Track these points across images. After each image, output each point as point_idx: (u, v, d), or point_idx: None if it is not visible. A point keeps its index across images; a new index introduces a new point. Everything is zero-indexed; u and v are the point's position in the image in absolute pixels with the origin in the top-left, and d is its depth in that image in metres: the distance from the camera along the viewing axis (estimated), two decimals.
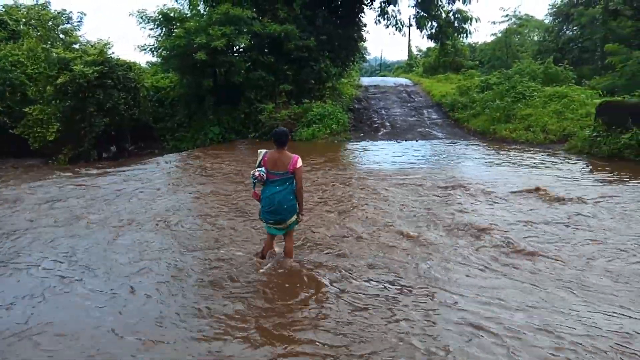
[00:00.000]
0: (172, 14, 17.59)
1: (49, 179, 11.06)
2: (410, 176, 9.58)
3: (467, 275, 4.79)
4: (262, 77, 17.75)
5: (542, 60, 22.19)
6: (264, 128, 16.95)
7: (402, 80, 30.79)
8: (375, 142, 15.81)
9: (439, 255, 5.35)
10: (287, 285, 4.65)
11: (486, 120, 16.88)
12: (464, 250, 5.48)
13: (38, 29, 21.20)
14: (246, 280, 4.74)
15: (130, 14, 17.89)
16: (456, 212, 6.94)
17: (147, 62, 24.73)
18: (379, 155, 13.22)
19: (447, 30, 21.58)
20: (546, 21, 35.87)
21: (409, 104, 22.32)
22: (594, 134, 11.90)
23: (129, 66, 17.05)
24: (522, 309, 4.02)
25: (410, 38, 44.09)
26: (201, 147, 16.74)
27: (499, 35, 35.16)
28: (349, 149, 14.74)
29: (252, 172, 4.78)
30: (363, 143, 15.71)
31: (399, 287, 4.54)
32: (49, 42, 20.14)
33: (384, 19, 22.09)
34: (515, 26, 36.16)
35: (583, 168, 10.31)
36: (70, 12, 25.09)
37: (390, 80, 30.76)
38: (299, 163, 4.72)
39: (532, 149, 13.27)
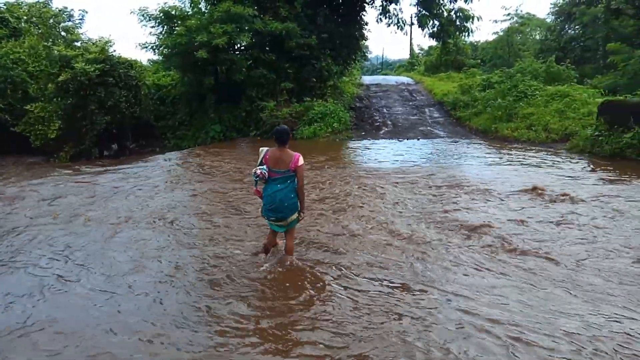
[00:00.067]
0: (173, 12, 17.56)
1: (49, 177, 11.06)
2: (411, 175, 9.56)
3: (465, 275, 4.79)
4: (263, 75, 17.72)
5: (544, 59, 22.15)
6: (265, 126, 16.92)
7: (403, 78, 30.73)
8: (376, 141, 15.78)
9: (438, 254, 5.35)
10: (287, 284, 4.64)
11: (488, 119, 16.85)
12: (462, 249, 5.48)
13: (39, 26, 21.18)
14: (245, 278, 4.74)
15: (132, 12, 17.85)
16: (455, 210, 6.94)
17: (149, 60, 24.79)
18: (380, 153, 13.20)
19: (449, 28, 21.51)
20: (548, 20, 35.79)
21: (410, 103, 22.28)
22: (596, 133, 11.87)
23: (131, 64, 17.03)
24: (521, 309, 4.01)
25: (412, 36, 43.95)
26: (202, 145, 16.72)
27: (501, 34, 35.10)
28: (350, 148, 14.72)
29: (253, 170, 4.80)
30: (364, 142, 15.69)
31: (397, 286, 4.53)
32: (51, 40, 20.09)
33: (385, 18, 22.01)
34: (517, 25, 36.05)
35: (584, 167, 10.29)
36: (72, 9, 25.06)
37: (392, 79, 30.72)
38: (300, 161, 4.73)
39: (533, 148, 13.24)
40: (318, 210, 7.12)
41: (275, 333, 3.72)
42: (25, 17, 21.50)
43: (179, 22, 17.29)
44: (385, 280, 4.68)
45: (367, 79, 29.66)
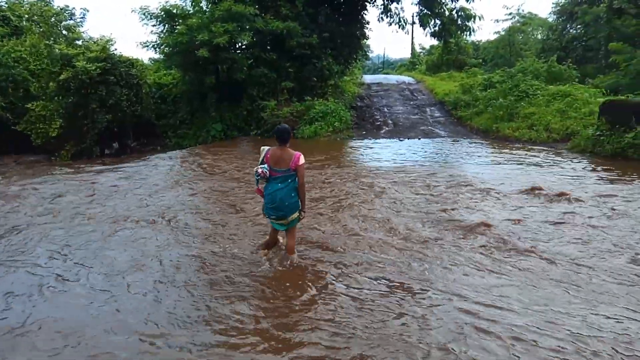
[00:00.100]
0: (174, 11, 17.57)
1: (50, 175, 11.07)
2: (410, 174, 9.56)
3: (465, 275, 4.78)
4: (264, 74, 17.73)
5: (546, 59, 22.11)
6: (266, 125, 16.94)
7: (404, 78, 30.73)
8: (377, 140, 15.78)
9: (438, 253, 5.35)
10: (287, 283, 4.63)
11: (489, 119, 16.83)
12: (462, 248, 5.48)
13: (41, 25, 21.20)
14: (246, 277, 4.73)
15: (133, 11, 17.85)
16: (455, 210, 6.94)
17: (150, 58, 24.77)
18: (380, 153, 13.19)
19: (451, 28, 21.51)
20: (550, 19, 35.72)
21: (411, 102, 22.28)
22: (597, 133, 11.86)
23: (132, 63, 17.04)
24: (521, 309, 4.00)
25: (414, 36, 44.07)
26: (203, 144, 16.74)
27: (503, 33, 35.04)
28: (351, 147, 14.72)
29: (255, 169, 4.82)
30: (365, 141, 15.69)
31: (396, 286, 4.52)
32: (52, 38, 20.12)
33: (387, 17, 22.03)
34: (518, 24, 35.99)
35: (585, 167, 10.27)
36: (73, 8, 25.03)
37: (393, 78, 30.72)
38: (301, 160, 4.73)
39: (534, 147, 13.23)
40: (318, 209, 7.12)
41: (276, 333, 3.72)
42: (26, 16, 21.53)
43: (180, 20, 17.29)
44: (385, 279, 4.67)
45: (368, 78, 29.66)
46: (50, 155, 15.72)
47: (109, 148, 16.97)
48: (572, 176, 9.20)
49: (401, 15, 22.06)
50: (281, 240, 5.39)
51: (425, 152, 13.32)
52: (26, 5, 22.18)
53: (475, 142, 14.72)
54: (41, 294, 4.51)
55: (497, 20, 51.45)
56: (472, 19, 21.15)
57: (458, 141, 15.02)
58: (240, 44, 18.44)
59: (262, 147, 4.95)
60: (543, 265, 4.96)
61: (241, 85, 17.95)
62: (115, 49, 16.91)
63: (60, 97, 15.70)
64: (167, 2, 17.60)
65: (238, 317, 3.98)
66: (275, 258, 5.14)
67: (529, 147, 13.38)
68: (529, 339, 3.52)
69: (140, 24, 18.07)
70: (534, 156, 11.65)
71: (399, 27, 22.36)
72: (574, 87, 17.28)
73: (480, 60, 35.29)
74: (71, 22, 23.94)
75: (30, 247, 5.80)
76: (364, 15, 21.34)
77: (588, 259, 5.11)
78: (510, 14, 36.61)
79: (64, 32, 23.03)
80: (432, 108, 21.08)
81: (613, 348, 3.41)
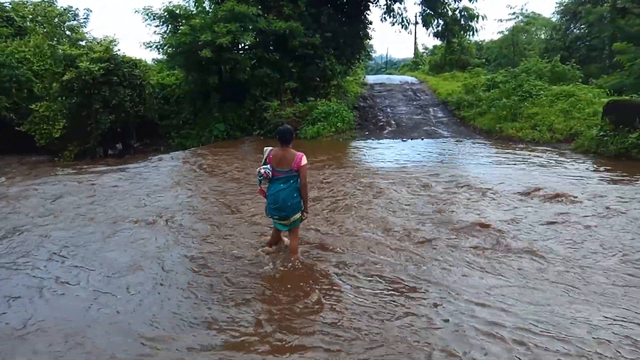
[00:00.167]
0: (177, 11, 17.59)
1: (53, 176, 11.11)
2: (412, 174, 9.54)
3: (464, 275, 4.78)
4: (267, 75, 17.73)
5: (549, 59, 22.03)
6: (269, 125, 16.93)
7: (407, 78, 30.68)
8: (380, 141, 15.76)
9: (438, 254, 5.34)
10: (289, 285, 4.63)
11: (492, 119, 16.78)
12: (463, 249, 5.47)
13: (44, 25, 21.29)
14: (247, 278, 4.73)
15: (136, 11, 17.90)
16: (454, 210, 6.93)
17: (153, 59, 24.81)
18: (383, 153, 13.18)
19: (454, 28, 21.46)
20: (553, 19, 35.63)
21: (414, 102, 22.24)
22: (601, 133, 11.81)
23: (135, 63, 17.06)
24: (522, 310, 3.99)
25: (417, 36, 44.01)
26: (206, 144, 16.75)
27: (506, 33, 34.90)
28: (354, 147, 14.70)
29: (257, 170, 4.83)
30: (368, 141, 15.67)
31: (397, 287, 4.52)
32: (55, 39, 20.18)
33: (389, 17, 21.98)
34: (522, 24, 35.87)
35: (588, 167, 10.24)
36: (77, 8, 25.15)
37: (396, 78, 30.66)
38: (304, 161, 4.74)
39: (538, 148, 13.19)
40: (319, 209, 7.11)
41: (277, 334, 3.71)
42: (30, 16, 21.61)
43: (183, 21, 17.31)
44: (385, 280, 4.66)
45: (371, 79, 29.63)
46: (54, 155, 15.76)
47: (112, 149, 17.00)
48: (576, 177, 9.16)
49: (404, 15, 22.05)
50: (285, 241, 5.39)
51: (428, 152, 13.29)
52: (30, 6, 22.25)
53: (478, 143, 14.69)
54: (41, 295, 4.50)
55: (501, 20, 50.91)
56: (475, 19, 21.10)
57: (461, 141, 14.99)
58: (243, 44, 18.44)
59: (266, 148, 4.97)
60: (543, 266, 4.94)
61: (244, 86, 17.96)
62: (119, 50, 16.97)
63: (64, 98, 15.74)
64: (170, 2, 17.65)
65: (239, 318, 3.97)
66: (278, 259, 5.14)
67: (532, 147, 13.33)
68: (532, 341, 3.51)
69: (144, 25, 18.13)
70: (537, 157, 11.61)
71: (402, 27, 22.35)
72: (578, 87, 17.22)
73: (484, 60, 35.19)
74: (75, 22, 24.03)
75: (30, 249, 5.79)
76: (366, 15, 21.33)
77: (592, 261, 5.09)
78: (513, 13, 36.58)
79: (68, 32, 23.10)
80: (435, 108, 21.03)
81: (617, 351, 3.39)
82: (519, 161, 11.05)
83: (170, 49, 17.51)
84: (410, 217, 6.69)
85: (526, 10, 36.90)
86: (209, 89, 17.87)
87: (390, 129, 18.03)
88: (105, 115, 15.56)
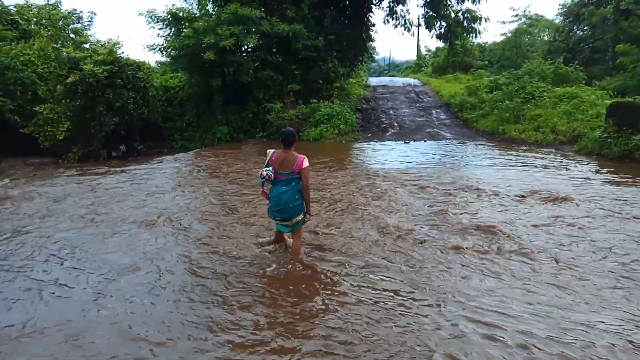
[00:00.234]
0: (181, 14, 17.68)
1: (56, 178, 11.16)
2: (415, 176, 9.54)
3: (463, 277, 4.77)
4: (270, 77, 17.78)
5: (552, 61, 22.01)
6: (271, 128, 16.97)
7: (410, 80, 30.68)
8: (383, 143, 15.77)
9: (438, 256, 5.33)
10: (290, 286, 4.63)
11: (495, 121, 16.78)
12: (462, 251, 5.46)
13: (49, 28, 21.38)
14: (249, 279, 4.74)
15: (140, 14, 17.99)
16: (456, 213, 6.92)
17: (156, 61, 24.93)
18: (386, 155, 13.17)
19: (456, 30, 21.46)
20: (556, 21, 35.57)
21: (417, 104, 22.24)
22: (604, 135, 11.79)
23: (138, 66, 17.16)
24: (522, 312, 3.98)
25: (419, 38, 43.93)
26: (209, 146, 16.79)
27: (509, 35, 34.93)
28: (357, 149, 14.71)
29: (260, 172, 4.86)
30: (371, 143, 15.68)
31: (398, 290, 4.51)
32: (60, 42, 20.30)
33: (392, 19, 22.02)
34: (525, 26, 35.87)
35: (591, 169, 10.21)
36: (81, 11, 25.31)
37: (399, 81, 30.67)
38: (305, 163, 4.76)
39: (541, 149, 13.17)
40: (320, 210, 7.12)
41: (278, 336, 3.72)
42: (35, 19, 21.73)
43: (187, 24, 17.40)
44: (385, 282, 4.66)
45: (373, 81, 29.62)
46: (58, 157, 15.85)
47: (115, 151, 17.08)
48: (579, 178, 9.14)
49: (407, 17, 22.07)
50: (287, 241, 5.41)
51: (431, 154, 13.29)
52: (34, 9, 22.37)
53: (481, 145, 14.67)
54: (41, 297, 4.50)
55: (504, 22, 51.18)
56: (478, 21, 21.09)
57: (464, 143, 14.98)
58: (246, 47, 18.51)
59: (268, 150, 5.00)
60: (542, 268, 4.93)
61: (247, 88, 18.01)
62: (122, 52, 17.09)
63: (68, 100, 15.83)
64: (173, 5, 17.76)
65: (241, 320, 3.98)
66: (281, 260, 5.15)
67: (536, 149, 13.32)
68: (534, 345, 3.50)
69: (147, 27, 18.21)
70: (540, 159, 11.60)
71: (405, 29, 22.36)
72: (581, 89, 17.20)
73: (487, 62, 35.20)
74: (79, 25, 24.09)
75: (30, 250, 5.80)
76: (369, 17, 21.35)
77: (593, 261, 5.08)
78: (516, 15, 36.53)
79: (72, 35, 23.20)
80: (438, 110, 21.04)
81: (617, 353, 3.39)
82: (521, 163, 11.04)
83: (173, 52, 17.60)
84: (416, 219, 6.69)
85: (529, 12, 36.95)
86: (212, 92, 17.93)
87: (393, 131, 18.04)
88: (109, 117, 15.64)
